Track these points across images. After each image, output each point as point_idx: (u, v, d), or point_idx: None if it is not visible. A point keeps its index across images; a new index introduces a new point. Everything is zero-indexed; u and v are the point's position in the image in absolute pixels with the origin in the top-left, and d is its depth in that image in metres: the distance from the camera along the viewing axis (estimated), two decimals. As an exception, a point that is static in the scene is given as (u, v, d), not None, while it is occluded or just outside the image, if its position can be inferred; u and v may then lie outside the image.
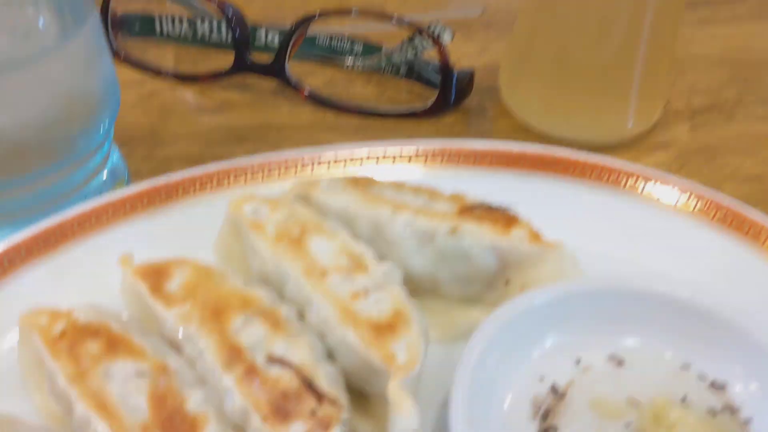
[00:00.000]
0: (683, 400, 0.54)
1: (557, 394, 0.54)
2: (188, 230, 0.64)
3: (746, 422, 0.53)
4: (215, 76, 0.90)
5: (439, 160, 0.71)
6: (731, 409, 0.54)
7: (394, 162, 0.71)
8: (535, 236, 0.58)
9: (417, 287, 0.59)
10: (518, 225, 0.60)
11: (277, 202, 0.61)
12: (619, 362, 0.56)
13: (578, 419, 0.53)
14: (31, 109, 0.61)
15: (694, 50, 0.96)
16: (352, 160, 0.70)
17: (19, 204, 0.65)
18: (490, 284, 0.60)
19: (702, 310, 0.55)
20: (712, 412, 0.53)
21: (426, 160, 0.71)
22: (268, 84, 0.90)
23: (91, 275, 0.61)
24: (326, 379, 0.51)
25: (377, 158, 0.71)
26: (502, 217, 0.59)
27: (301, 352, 0.52)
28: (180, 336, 0.53)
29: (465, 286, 0.60)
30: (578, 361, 0.57)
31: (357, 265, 0.57)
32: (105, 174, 0.71)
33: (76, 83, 0.64)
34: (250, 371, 0.50)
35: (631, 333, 0.57)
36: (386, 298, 0.55)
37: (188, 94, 0.90)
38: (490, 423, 0.52)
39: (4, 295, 0.60)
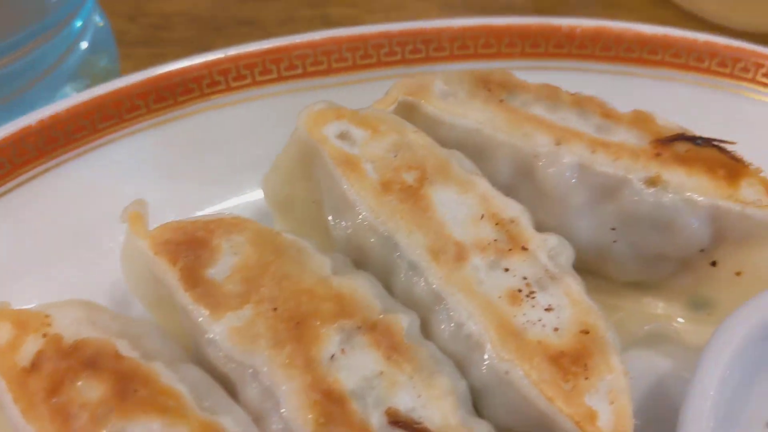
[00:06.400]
0: None
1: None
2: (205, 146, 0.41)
3: None
4: None
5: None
6: None
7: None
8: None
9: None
10: (746, 174, 0.38)
11: (376, 120, 0.37)
12: None
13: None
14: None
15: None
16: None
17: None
18: (686, 265, 0.40)
19: None
20: None
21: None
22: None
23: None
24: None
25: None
26: (718, 160, 0.38)
27: (440, 404, 0.31)
28: (235, 370, 0.31)
29: (648, 268, 0.40)
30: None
31: (509, 236, 0.35)
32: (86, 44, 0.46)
33: None
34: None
35: None
36: (563, 302, 0.35)
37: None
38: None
39: None
